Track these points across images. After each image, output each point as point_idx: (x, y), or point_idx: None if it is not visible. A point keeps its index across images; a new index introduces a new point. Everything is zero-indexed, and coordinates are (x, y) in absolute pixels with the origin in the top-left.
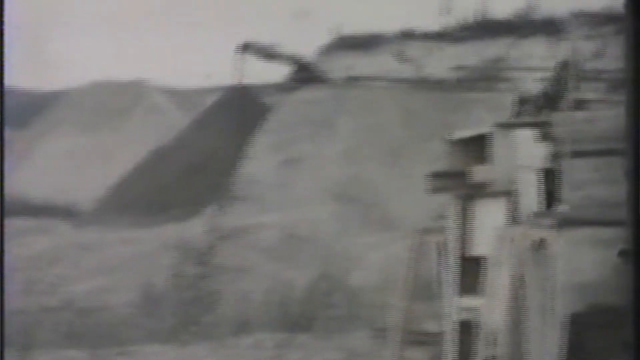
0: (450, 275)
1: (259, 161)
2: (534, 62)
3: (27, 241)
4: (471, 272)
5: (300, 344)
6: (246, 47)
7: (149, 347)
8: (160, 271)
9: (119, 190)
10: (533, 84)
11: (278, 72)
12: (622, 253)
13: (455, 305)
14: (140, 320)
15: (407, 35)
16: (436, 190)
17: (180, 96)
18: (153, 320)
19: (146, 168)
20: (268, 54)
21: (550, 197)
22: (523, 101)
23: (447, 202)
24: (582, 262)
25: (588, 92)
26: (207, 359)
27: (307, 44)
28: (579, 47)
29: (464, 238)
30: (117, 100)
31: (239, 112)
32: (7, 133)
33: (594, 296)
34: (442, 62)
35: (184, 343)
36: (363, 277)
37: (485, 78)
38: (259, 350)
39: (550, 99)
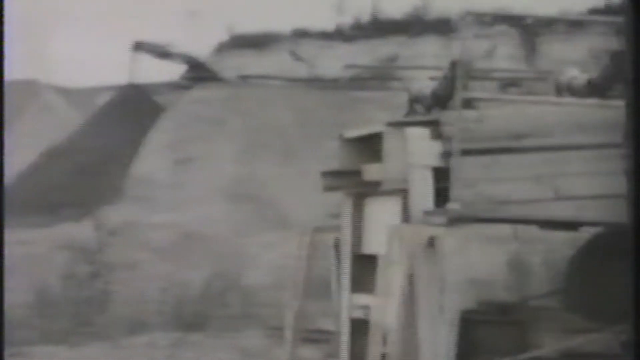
0: (344, 273)
1: (153, 160)
2: (426, 61)
3: None
4: (365, 270)
5: (194, 343)
6: (139, 46)
7: (43, 348)
8: (53, 272)
9: (11, 191)
10: (425, 83)
11: (171, 71)
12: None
13: (349, 303)
14: (34, 321)
15: (301, 34)
16: (330, 188)
17: (73, 95)
18: (47, 321)
19: (39, 168)
20: (161, 52)
21: (442, 195)
22: (415, 100)
23: (341, 201)
24: (473, 259)
25: (478, 91)
26: (101, 359)
27: (200, 43)
28: (469, 46)
29: (358, 236)
30: (8, 99)
31: (132, 111)
32: None
33: (484, 293)
34: (336, 61)
35: (78, 343)
36: (257, 276)
37: (378, 77)
38: (153, 350)
39: (440, 98)
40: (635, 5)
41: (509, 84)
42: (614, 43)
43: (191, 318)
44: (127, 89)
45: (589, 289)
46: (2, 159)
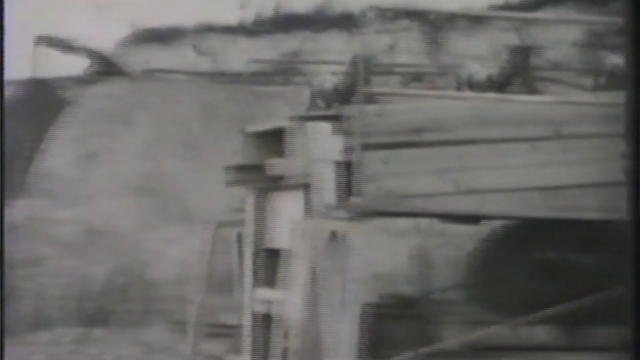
0: (247, 267)
1: (57, 155)
2: (329, 56)
3: None
4: (269, 264)
5: (97, 338)
6: (43, 40)
7: None
8: None
9: None
10: (327, 78)
11: (76, 65)
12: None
13: (252, 298)
14: None
15: (206, 29)
16: (234, 183)
17: None
18: None
19: None
20: (65, 46)
21: (346, 189)
22: (317, 95)
23: (245, 195)
24: (376, 253)
25: (380, 85)
26: (4, 356)
27: (104, 37)
28: (371, 41)
29: (263, 231)
30: None
31: (36, 106)
32: None
33: (387, 286)
34: (239, 55)
35: None
36: (161, 270)
37: (282, 72)
38: (57, 346)
39: (342, 93)
40: (635, 5)
41: (411, 78)
42: (514, 38)
43: (94, 313)
44: (31, 84)
45: (490, 282)
46: (2, 158)
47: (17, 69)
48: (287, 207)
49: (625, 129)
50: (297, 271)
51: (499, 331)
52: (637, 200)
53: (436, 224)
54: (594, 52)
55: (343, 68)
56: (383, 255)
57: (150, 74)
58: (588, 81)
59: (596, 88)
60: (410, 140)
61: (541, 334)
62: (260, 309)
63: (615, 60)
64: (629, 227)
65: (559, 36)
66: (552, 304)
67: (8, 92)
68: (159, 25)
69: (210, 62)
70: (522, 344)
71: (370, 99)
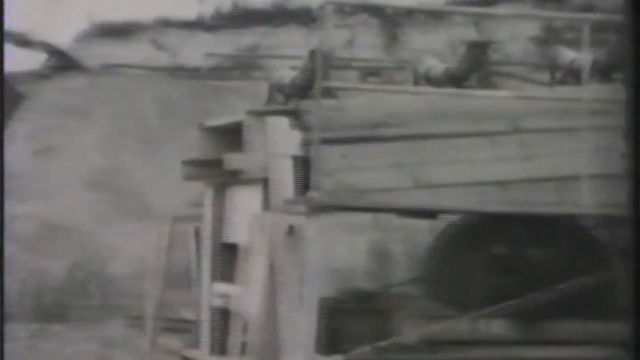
0: (205, 262)
1: (13, 150)
2: (287, 51)
3: None
4: (227, 259)
5: (54, 334)
6: None
7: None
8: None
9: None
10: (285, 72)
11: (33, 60)
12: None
13: (211, 292)
14: None
15: (164, 23)
16: (191, 178)
17: None
18: None
19: None
20: (21, 40)
21: (304, 184)
22: (275, 89)
23: (203, 190)
24: (334, 247)
25: (338, 80)
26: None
27: (62, 31)
28: (329, 36)
29: (221, 225)
30: None
31: None
32: None
33: (345, 281)
34: (198, 50)
35: None
36: (118, 265)
37: (240, 66)
38: (14, 342)
39: (300, 87)
40: (635, 5)
41: (369, 73)
42: (472, 33)
43: (52, 309)
44: None
45: (448, 276)
46: (2, 159)
47: None
48: (245, 201)
49: (625, 129)
50: (255, 266)
51: (456, 325)
52: (637, 199)
53: (394, 218)
54: (550, 47)
55: (301, 63)
56: (341, 249)
57: (108, 68)
58: (545, 76)
59: (553, 83)
60: (368, 135)
61: (498, 328)
62: (218, 303)
63: (571, 55)
64: (630, 226)
65: (516, 31)
66: (509, 299)
67: None
68: (117, 20)
69: (168, 57)
70: (480, 338)
71: (329, 93)
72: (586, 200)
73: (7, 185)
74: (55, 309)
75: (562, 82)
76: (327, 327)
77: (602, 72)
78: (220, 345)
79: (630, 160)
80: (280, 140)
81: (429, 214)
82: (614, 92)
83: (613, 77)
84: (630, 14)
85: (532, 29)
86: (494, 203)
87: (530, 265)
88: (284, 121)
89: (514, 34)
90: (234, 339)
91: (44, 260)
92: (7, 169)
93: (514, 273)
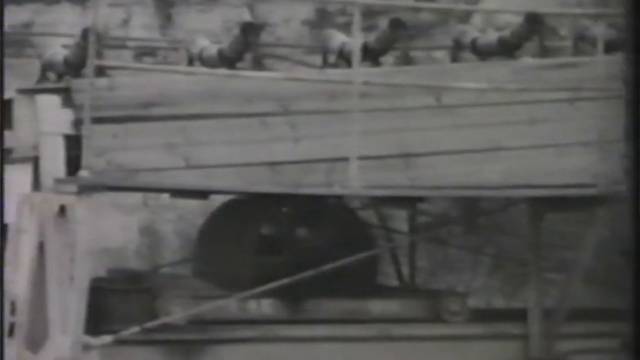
0: None
1: None
2: (61, 29)
3: None
4: None
5: None
6: None
7: None
8: None
9: None
10: (58, 50)
11: None
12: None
13: None
14: None
15: None
16: None
17: None
18: None
19: None
20: None
21: (75, 163)
22: (47, 67)
23: None
24: (105, 227)
25: (111, 59)
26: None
27: None
28: (104, 14)
29: None
30: None
31: None
32: None
33: (116, 261)
34: None
35: None
36: None
37: (13, 43)
38: None
39: (72, 66)
40: (635, 5)
41: (144, 52)
42: (246, 15)
43: None
44: None
45: (218, 256)
46: (2, 158)
47: None
48: (15, 180)
49: (625, 129)
50: (24, 246)
51: (225, 305)
52: (637, 199)
53: (166, 198)
54: (323, 30)
55: (74, 41)
56: (112, 229)
57: None
58: (317, 59)
59: (324, 66)
60: (140, 115)
61: (266, 307)
62: None
63: (343, 38)
64: (630, 226)
65: (290, 14)
66: (277, 278)
67: None
68: None
69: None
70: (248, 317)
71: (101, 72)
72: (354, 182)
73: None
74: None
75: (334, 65)
76: (96, 307)
77: (372, 56)
78: None
79: (631, 160)
80: (51, 119)
81: (200, 194)
82: (385, 75)
83: (381, 61)
84: (631, 16)
85: (306, 12)
86: (264, 184)
87: (298, 246)
88: (55, 99)
89: (288, 17)
90: (2, 320)
91: None
92: None
93: (283, 253)
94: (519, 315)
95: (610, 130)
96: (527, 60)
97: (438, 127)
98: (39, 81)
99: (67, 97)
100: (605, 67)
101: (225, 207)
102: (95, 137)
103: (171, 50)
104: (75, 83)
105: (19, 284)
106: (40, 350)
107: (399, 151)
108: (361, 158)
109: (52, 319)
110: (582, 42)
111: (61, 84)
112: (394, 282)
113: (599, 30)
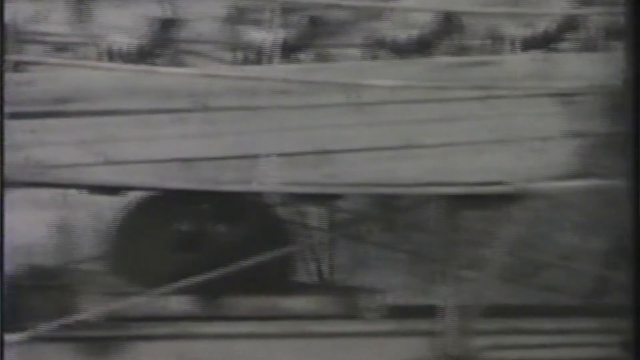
0: None
1: None
2: None
3: None
4: None
5: None
6: None
7: None
8: None
9: None
10: None
11: None
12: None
13: None
14: None
15: None
16: None
17: None
18: None
19: None
20: None
21: None
22: None
23: None
24: (18, 223)
25: (27, 54)
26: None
27: None
28: (21, 9)
29: None
30: None
31: None
32: None
33: (30, 258)
34: None
35: None
36: None
37: None
38: None
39: None
40: (635, 5)
41: (61, 47)
42: (163, 10)
43: None
44: None
45: (131, 253)
46: (2, 158)
47: None
48: None
49: (625, 129)
50: None
51: (138, 302)
52: (637, 199)
53: (81, 194)
54: (240, 26)
55: None
56: (25, 226)
57: None
58: (234, 55)
59: (241, 62)
60: (56, 110)
61: (180, 304)
62: None
63: (260, 35)
64: (631, 225)
65: (207, 10)
66: (191, 275)
67: None
68: None
69: None
70: (162, 314)
71: (17, 67)
72: (272, 179)
73: None
74: None
75: (251, 62)
76: (9, 304)
77: (289, 52)
78: None
79: (631, 160)
80: None
81: (115, 190)
82: (301, 72)
83: (299, 58)
84: (631, 16)
85: (223, 8)
86: (180, 180)
87: (215, 242)
88: None
89: (205, 13)
90: None
91: None
92: None
93: (199, 250)
94: (436, 312)
95: (526, 128)
96: (441, 59)
97: (353, 124)
98: None
99: None
100: (519, 65)
101: (141, 204)
102: (12, 133)
103: (90, 46)
104: None
105: None
106: None
107: (314, 148)
108: (279, 155)
109: None
110: (498, 41)
111: None
112: (315, 280)
113: (514, 29)
